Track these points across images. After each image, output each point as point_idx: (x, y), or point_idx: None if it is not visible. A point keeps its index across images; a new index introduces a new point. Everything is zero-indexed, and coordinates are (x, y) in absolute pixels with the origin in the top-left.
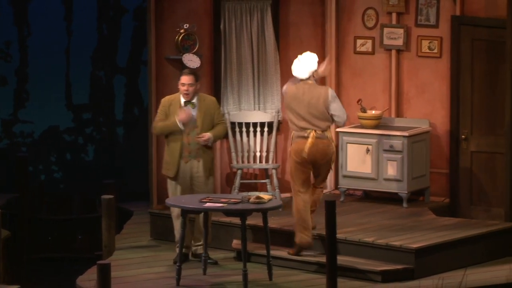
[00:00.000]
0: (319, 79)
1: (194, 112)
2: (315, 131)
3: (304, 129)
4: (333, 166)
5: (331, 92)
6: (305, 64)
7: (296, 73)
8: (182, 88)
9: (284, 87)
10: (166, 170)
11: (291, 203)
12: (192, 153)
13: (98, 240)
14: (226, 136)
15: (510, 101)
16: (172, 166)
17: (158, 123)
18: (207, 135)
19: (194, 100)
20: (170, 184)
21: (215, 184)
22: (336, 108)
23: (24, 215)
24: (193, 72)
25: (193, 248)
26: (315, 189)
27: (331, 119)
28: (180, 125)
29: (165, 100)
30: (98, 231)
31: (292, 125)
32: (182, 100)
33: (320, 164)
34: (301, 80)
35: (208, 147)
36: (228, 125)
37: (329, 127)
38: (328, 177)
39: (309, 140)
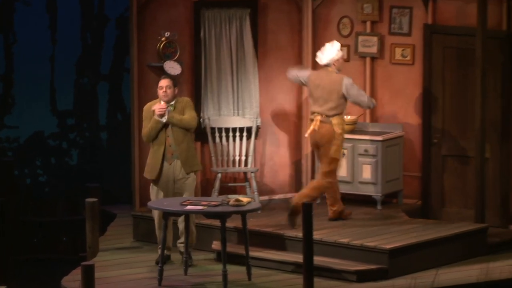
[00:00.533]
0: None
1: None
2: (321, 115)
3: (313, 113)
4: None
5: (345, 80)
6: (326, 52)
7: (318, 59)
8: (161, 92)
9: (298, 72)
10: (148, 172)
11: (269, 205)
12: (175, 154)
13: (82, 242)
14: (205, 140)
15: (480, 107)
16: (154, 168)
17: (144, 129)
18: (164, 105)
19: (172, 103)
20: (152, 188)
21: (196, 187)
22: (354, 95)
23: (10, 217)
24: (171, 76)
25: (178, 246)
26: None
27: (343, 106)
28: (158, 118)
29: (146, 107)
30: (82, 233)
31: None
32: (162, 103)
33: (319, 148)
34: (322, 66)
35: (189, 150)
36: (208, 130)
37: (338, 114)
38: (304, 180)
39: (313, 123)
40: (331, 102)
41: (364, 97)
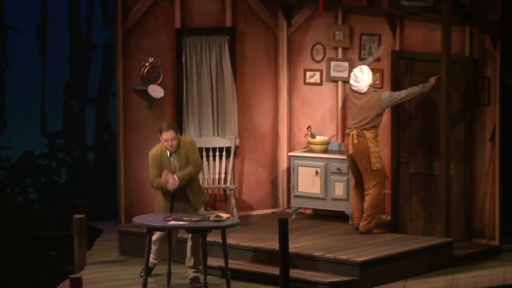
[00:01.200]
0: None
1: (177, 160)
2: (356, 129)
3: (349, 128)
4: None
5: (383, 95)
6: (362, 80)
7: (356, 89)
8: (167, 144)
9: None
10: (158, 211)
11: (247, 221)
12: (183, 196)
13: (70, 256)
14: (197, 171)
15: (445, 128)
16: (164, 210)
17: (155, 180)
18: (170, 175)
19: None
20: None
21: None
22: (394, 101)
23: (1, 233)
24: (173, 126)
25: (188, 271)
26: (366, 195)
27: (379, 122)
28: (171, 190)
29: (153, 154)
30: (71, 247)
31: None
32: (168, 152)
33: (357, 162)
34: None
35: (193, 184)
36: None
37: (373, 127)
38: (280, 197)
39: (350, 137)
40: (369, 118)
41: (403, 93)
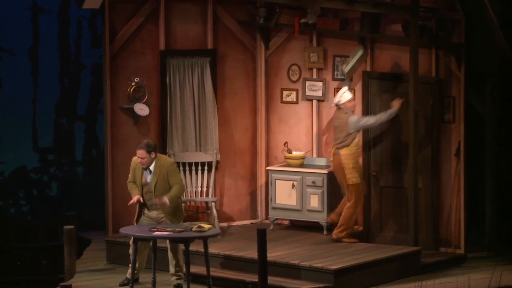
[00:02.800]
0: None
1: (149, 176)
2: (334, 147)
3: (332, 145)
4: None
5: (351, 118)
6: (337, 98)
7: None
8: (139, 160)
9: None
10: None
11: (228, 231)
12: (153, 207)
13: (60, 265)
14: (182, 192)
15: (413, 144)
16: (137, 214)
17: (129, 184)
18: (163, 199)
19: (151, 167)
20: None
21: None
22: (358, 128)
23: None
24: (145, 145)
25: (172, 279)
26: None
27: (350, 141)
28: (134, 201)
29: (133, 161)
30: (61, 256)
31: None
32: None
33: (336, 177)
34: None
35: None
36: None
37: (345, 146)
38: (259, 208)
39: (330, 155)
40: (342, 135)
41: (371, 121)
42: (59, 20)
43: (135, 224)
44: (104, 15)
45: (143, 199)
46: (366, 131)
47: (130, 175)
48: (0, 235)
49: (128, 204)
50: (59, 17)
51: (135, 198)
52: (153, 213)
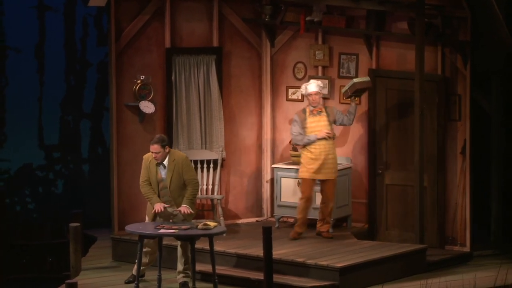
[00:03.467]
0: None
1: (164, 171)
2: None
3: None
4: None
5: (293, 122)
6: (303, 86)
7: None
8: (153, 155)
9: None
10: (148, 213)
11: (233, 229)
12: (168, 202)
13: (66, 262)
14: (197, 189)
15: (419, 142)
16: (150, 213)
17: (145, 187)
18: (182, 209)
19: (165, 162)
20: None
21: None
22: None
23: (1, 241)
24: (159, 140)
25: (178, 276)
26: None
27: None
28: (156, 211)
29: (145, 158)
30: (66, 254)
31: None
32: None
33: None
34: None
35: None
36: None
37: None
38: (264, 206)
39: None
40: None
41: (297, 137)
42: (65, 18)
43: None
44: (110, 13)
45: (159, 195)
46: (371, 129)
47: (143, 174)
48: (6, 232)
49: (153, 211)
50: (65, 15)
51: (160, 206)
52: (168, 210)
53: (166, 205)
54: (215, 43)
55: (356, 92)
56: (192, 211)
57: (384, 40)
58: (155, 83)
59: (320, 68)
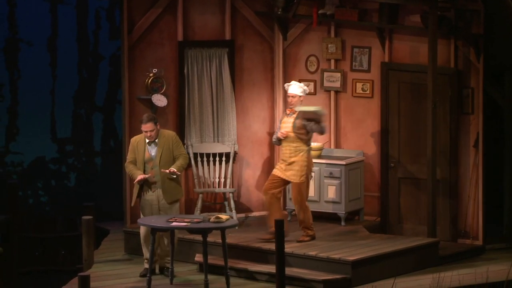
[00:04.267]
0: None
1: (154, 150)
2: None
3: None
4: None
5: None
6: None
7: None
8: (146, 134)
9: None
10: (133, 200)
11: (245, 222)
12: (157, 184)
13: (79, 255)
14: (188, 164)
15: (431, 135)
16: (135, 196)
17: (129, 166)
18: (172, 169)
19: (156, 140)
20: (142, 211)
21: (180, 206)
22: None
23: (14, 233)
24: (151, 118)
25: (160, 262)
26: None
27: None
28: (136, 182)
29: (133, 140)
30: (79, 247)
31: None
32: (147, 140)
33: None
34: None
35: (173, 178)
36: (191, 155)
37: None
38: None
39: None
40: None
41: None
42: (77, 11)
43: (132, 205)
44: (122, 6)
45: (148, 177)
46: (384, 122)
47: (129, 156)
48: (18, 225)
49: (135, 181)
50: (78, 8)
51: (142, 176)
52: (153, 195)
53: (146, 175)
54: (228, 36)
55: (308, 119)
56: (177, 171)
57: (396, 33)
58: (167, 76)
59: (332, 61)
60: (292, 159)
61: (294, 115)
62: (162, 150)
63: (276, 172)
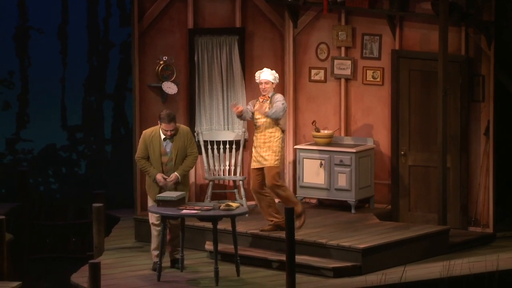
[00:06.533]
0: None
1: (169, 145)
2: None
3: None
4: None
5: None
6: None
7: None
8: (166, 133)
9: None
10: (149, 192)
11: (256, 210)
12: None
13: (89, 242)
14: (198, 152)
15: (442, 123)
16: (153, 190)
17: (141, 161)
18: (173, 176)
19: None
20: (150, 201)
21: (190, 194)
22: None
23: (25, 221)
24: (174, 117)
25: (170, 255)
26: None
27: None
28: (158, 183)
29: (146, 133)
30: (90, 234)
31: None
32: (162, 135)
33: None
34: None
35: (183, 182)
36: (202, 143)
37: None
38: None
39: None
40: None
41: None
42: None
43: (150, 205)
44: None
45: (163, 171)
46: (395, 110)
47: (140, 151)
48: (29, 213)
49: (161, 184)
50: None
51: (160, 176)
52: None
53: (165, 176)
54: (238, 24)
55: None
56: (178, 179)
57: (407, 20)
58: (177, 64)
59: (343, 49)
60: (267, 145)
61: (268, 101)
62: (178, 146)
63: (254, 165)
